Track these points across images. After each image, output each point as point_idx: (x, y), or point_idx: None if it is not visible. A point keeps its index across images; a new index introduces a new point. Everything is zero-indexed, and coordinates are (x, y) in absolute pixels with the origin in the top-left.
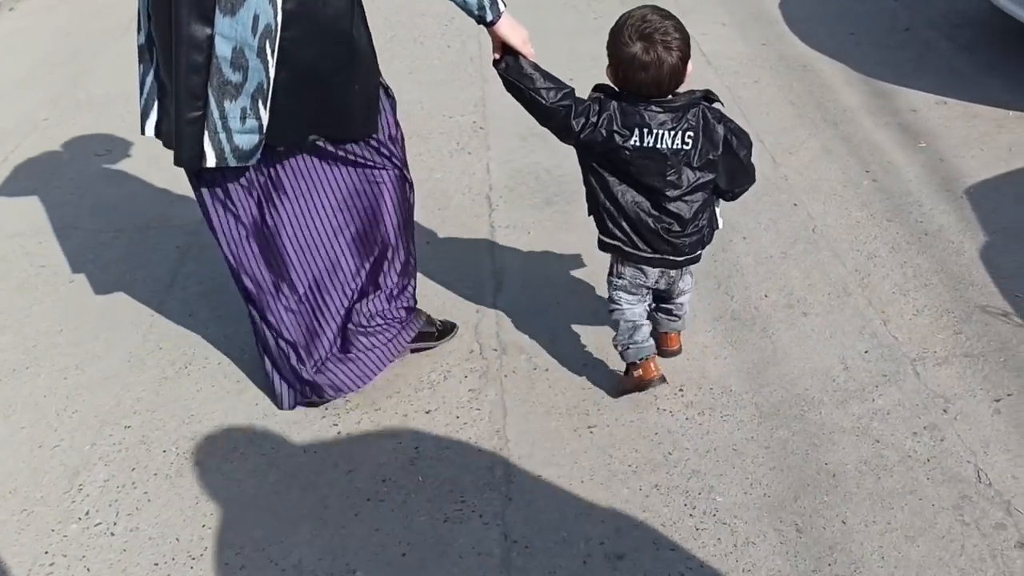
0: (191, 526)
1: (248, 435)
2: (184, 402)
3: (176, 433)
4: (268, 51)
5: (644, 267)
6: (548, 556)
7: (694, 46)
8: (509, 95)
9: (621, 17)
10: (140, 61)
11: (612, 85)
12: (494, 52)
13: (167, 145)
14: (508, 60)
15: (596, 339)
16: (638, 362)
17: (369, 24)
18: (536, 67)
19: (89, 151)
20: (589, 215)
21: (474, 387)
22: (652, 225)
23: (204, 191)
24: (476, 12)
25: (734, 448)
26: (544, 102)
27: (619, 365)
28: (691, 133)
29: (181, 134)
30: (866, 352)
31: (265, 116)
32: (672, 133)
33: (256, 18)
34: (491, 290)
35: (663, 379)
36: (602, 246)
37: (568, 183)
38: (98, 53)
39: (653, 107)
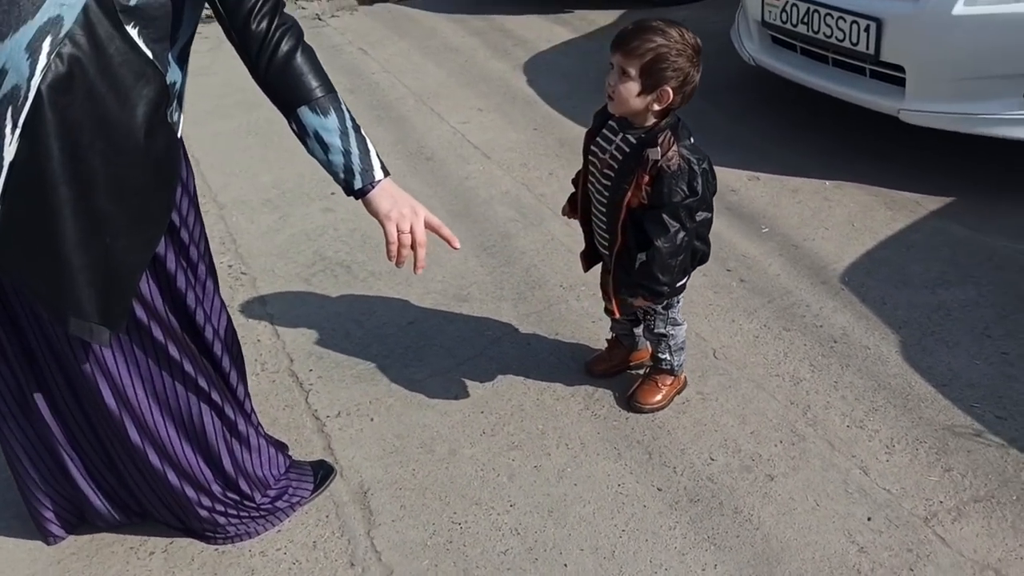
0: None
1: None
2: None
3: None
4: (9, 121)
5: None
6: None
7: (461, 139)
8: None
9: (661, 39)
10: None
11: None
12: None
13: None
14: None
15: (520, 564)
16: (681, 368)
17: None
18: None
19: None
20: (675, 283)
21: None
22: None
23: None
24: (353, 179)
25: None
26: (680, 250)
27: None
28: None
29: None
30: (869, 519)
31: None
32: None
33: (3, 71)
34: (359, 521)
35: None
36: (681, 289)
37: (392, 336)
38: None
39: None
